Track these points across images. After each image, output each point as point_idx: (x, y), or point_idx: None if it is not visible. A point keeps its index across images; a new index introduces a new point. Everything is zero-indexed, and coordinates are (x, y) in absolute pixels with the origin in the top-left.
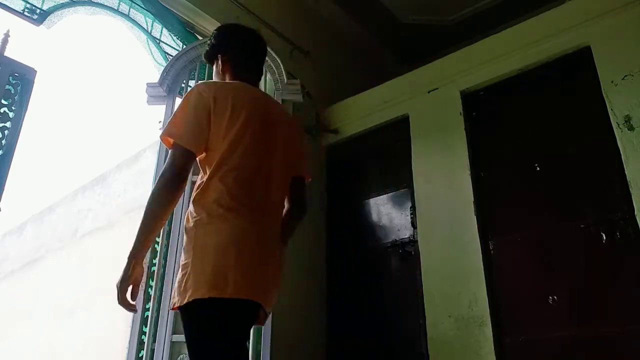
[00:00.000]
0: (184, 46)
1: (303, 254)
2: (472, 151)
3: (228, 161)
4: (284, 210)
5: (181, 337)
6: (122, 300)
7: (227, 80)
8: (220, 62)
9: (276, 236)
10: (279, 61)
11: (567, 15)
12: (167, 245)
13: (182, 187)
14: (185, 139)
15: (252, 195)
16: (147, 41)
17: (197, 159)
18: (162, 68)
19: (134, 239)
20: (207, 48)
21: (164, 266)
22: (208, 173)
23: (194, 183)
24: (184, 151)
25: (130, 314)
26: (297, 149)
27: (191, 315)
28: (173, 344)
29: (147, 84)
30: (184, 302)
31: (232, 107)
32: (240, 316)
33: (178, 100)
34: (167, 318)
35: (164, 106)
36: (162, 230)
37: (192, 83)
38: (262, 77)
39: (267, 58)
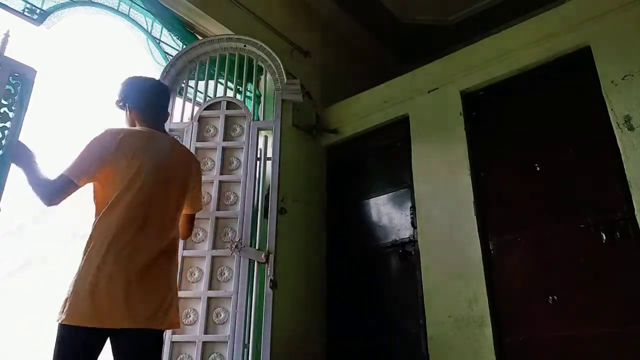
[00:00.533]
0: (184, 46)
1: (303, 254)
2: (472, 151)
3: (120, 199)
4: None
5: (181, 338)
6: None
7: (137, 127)
8: (128, 110)
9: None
10: (279, 61)
11: (567, 15)
12: None
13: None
14: (71, 171)
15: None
16: (147, 41)
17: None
18: (162, 68)
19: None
20: (117, 99)
21: None
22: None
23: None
24: (64, 179)
25: None
26: (194, 190)
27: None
28: (173, 344)
29: None
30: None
31: (132, 153)
32: None
33: (178, 100)
34: None
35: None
36: None
37: (192, 83)
38: (263, 77)
39: (267, 58)
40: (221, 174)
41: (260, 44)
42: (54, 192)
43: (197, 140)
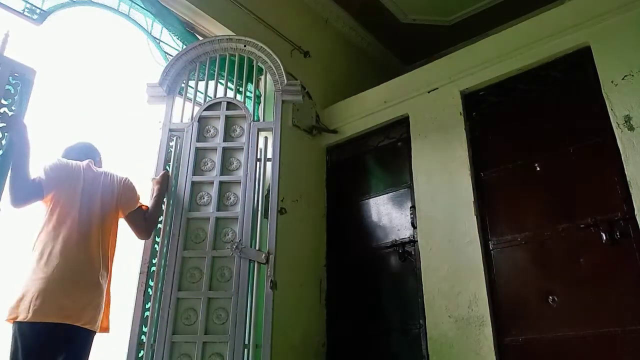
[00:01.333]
0: (184, 46)
1: (303, 254)
2: (472, 151)
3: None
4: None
5: (181, 338)
6: None
7: None
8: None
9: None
10: (279, 62)
11: (567, 15)
12: (167, 246)
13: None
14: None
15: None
16: (147, 41)
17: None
18: (162, 68)
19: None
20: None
21: (164, 266)
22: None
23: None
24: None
25: (130, 313)
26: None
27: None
28: (173, 344)
29: (147, 84)
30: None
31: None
32: None
33: (178, 100)
34: (167, 318)
35: (164, 106)
36: (162, 231)
37: (192, 83)
38: (263, 77)
39: (267, 59)
40: (221, 174)
41: (260, 45)
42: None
43: (197, 141)
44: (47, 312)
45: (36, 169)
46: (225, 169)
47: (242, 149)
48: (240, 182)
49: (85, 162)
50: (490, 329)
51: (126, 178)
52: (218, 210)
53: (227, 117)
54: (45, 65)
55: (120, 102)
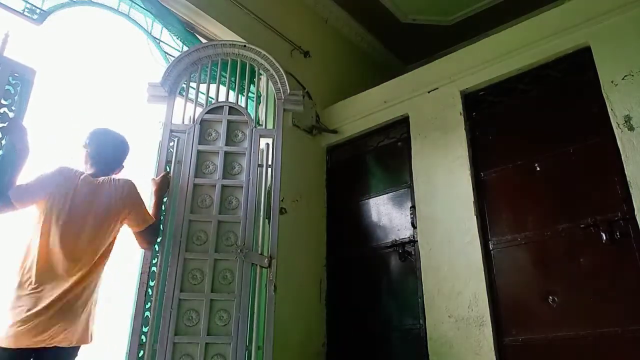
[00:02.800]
0: (184, 46)
1: (303, 254)
2: (472, 151)
3: None
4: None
5: (184, 339)
6: None
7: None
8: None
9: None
10: (282, 71)
11: (567, 15)
12: (166, 246)
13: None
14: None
15: None
16: (147, 41)
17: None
18: (164, 68)
19: None
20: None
21: (165, 267)
22: None
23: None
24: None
25: (128, 313)
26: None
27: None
28: (175, 345)
29: (148, 83)
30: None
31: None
32: None
33: (179, 101)
34: (170, 319)
35: (164, 106)
36: (163, 232)
37: (193, 85)
38: (265, 86)
39: (269, 67)
40: (224, 178)
41: (263, 53)
42: None
43: (199, 143)
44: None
45: (35, 173)
46: (227, 172)
47: (244, 154)
48: (242, 187)
49: (84, 175)
50: (490, 329)
51: (131, 191)
52: (220, 213)
53: (229, 121)
54: (45, 65)
55: (119, 101)
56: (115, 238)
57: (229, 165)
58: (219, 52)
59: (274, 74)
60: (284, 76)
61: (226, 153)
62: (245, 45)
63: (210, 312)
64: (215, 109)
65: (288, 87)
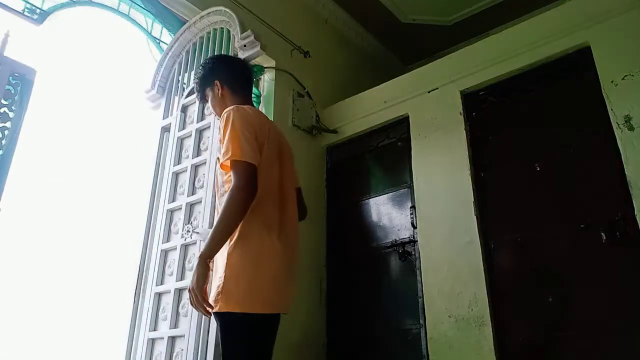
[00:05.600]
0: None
1: (303, 254)
2: (472, 151)
3: (264, 184)
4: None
5: (177, 332)
6: (199, 303)
7: (230, 103)
8: (218, 87)
9: (297, 247)
10: (235, 18)
11: (567, 15)
12: (148, 239)
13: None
14: (248, 155)
15: (283, 215)
16: (147, 41)
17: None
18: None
19: (209, 245)
20: (199, 77)
21: (147, 260)
22: None
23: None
24: (248, 166)
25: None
26: (294, 165)
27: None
28: (172, 339)
29: (144, 91)
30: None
31: (268, 133)
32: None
33: (175, 99)
34: (170, 316)
35: (162, 106)
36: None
37: (185, 76)
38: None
39: (230, 21)
40: (197, 156)
41: (223, 10)
42: (251, 183)
43: (179, 130)
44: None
45: None
46: (201, 151)
47: (209, 127)
48: (206, 163)
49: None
50: (490, 329)
51: None
52: (189, 195)
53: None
54: (45, 65)
55: (119, 101)
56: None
57: (201, 144)
58: (195, 31)
59: (232, 23)
60: (237, 22)
61: (199, 131)
62: (209, 11)
63: (178, 304)
64: (192, 91)
65: (239, 32)
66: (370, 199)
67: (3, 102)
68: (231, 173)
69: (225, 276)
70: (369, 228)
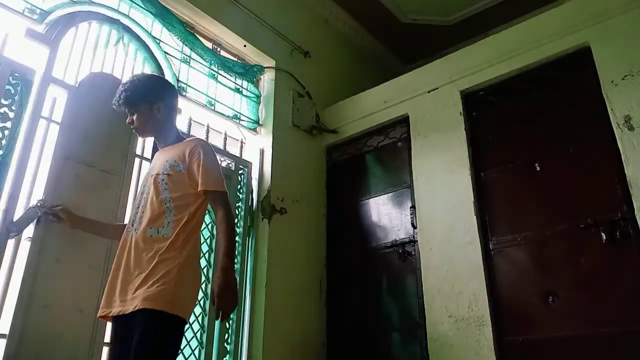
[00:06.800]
0: (184, 46)
1: (303, 254)
2: (472, 151)
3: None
4: None
5: None
6: (233, 308)
7: (162, 127)
8: (158, 109)
9: None
10: None
11: (567, 15)
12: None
13: None
14: (226, 187)
15: None
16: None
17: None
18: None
19: (231, 259)
20: (133, 93)
21: None
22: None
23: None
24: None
25: None
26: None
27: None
28: None
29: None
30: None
31: None
32: None
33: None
34: None
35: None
36: None
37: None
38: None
39: None
40: None
41: None
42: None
43: None
44: None
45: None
46: None
47: None
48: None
49: None
50: (490, 329)
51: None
52: None
53: None
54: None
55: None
56: None
57: None
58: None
59: None
60: None
61: None
62: None
63: None
64: None
65: None
66: (370, 199)
67: (3, 102)
68: (217, 201)
69: (176, 282)
70: (369, 228)
